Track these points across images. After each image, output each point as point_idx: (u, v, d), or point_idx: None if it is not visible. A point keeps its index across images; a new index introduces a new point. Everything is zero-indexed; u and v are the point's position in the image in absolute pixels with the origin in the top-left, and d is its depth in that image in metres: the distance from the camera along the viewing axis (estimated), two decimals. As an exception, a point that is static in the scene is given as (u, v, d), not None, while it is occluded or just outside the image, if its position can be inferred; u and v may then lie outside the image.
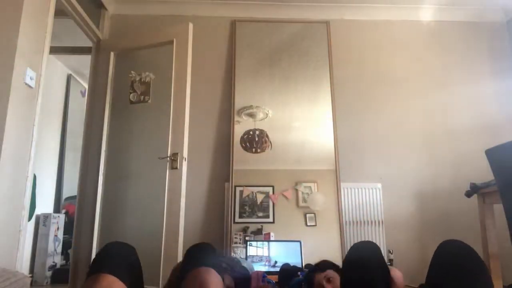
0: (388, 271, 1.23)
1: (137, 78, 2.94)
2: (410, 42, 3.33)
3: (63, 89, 4.22)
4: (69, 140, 4.15)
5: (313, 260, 2.60)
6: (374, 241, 2.10)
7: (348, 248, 2.73)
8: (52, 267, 3.32)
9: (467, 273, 0.96)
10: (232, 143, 2.98)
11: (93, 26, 2.99)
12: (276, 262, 2.59)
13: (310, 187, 2.92)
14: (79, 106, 4.29)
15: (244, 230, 2.81)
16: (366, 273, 1.16)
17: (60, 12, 2.56)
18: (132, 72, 2.96)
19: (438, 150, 3.11)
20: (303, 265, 2.56)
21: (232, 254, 2.72)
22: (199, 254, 1.14)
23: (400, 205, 2.99)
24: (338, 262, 2.67)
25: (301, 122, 3.06)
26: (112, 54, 3.07)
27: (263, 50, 3.20)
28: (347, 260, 1.29)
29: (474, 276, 0.96)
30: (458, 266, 0.98)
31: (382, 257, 1.27)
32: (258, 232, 2.80)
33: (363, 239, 2.84)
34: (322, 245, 2.75)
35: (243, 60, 3.17)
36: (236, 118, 3.04)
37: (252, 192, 2.90)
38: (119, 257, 1.09)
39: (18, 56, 1.89)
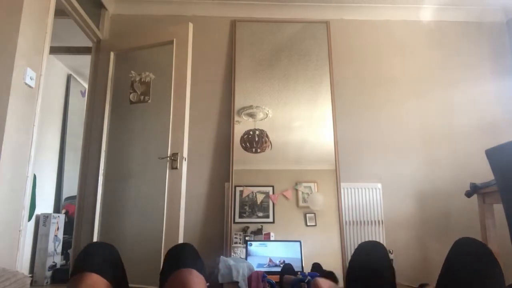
0: (394, 278, 1.19)
1: (137, 78, 2.94)
2: (410, 42, 3.33)
3: (63, 89, 4.22)
4: (69, 140, 4.14)
5: (314, 260, 2.61)
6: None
7: (348, 248, 2.75)
8: (52, 267, 3.31)
9: (486, 276, 0.95)
10: (232, 143, 2.98)
11: (93, 26, 2.99)
12: (284, 261, 2.58)
13: (310, 187, 2.91)
14: (79, 106, 4.29)
15: (244, 230, 2.81)
16: (375, 281, 1.13)
17: (60, 12, 2.56)
18: (132, 72, 2.96)
19: (438, 150, 3.11)
20: (310, 265, 2.56)
21: (232, 254, 2.72)
22: (180, 255, 1.13)
23: (400, 205, 2.99)
24: (338, 262, 2.70)
25: (301, 122, 3.06)
26: (112, 54, 3.07)
27: (263, 50, 3.20)
28: (354, 261, 1.23)
29: (493, 279, 0.95)
30: (477, 268, 0.96)
31: (391, 263, 1.22)
32: (258, 232, 2.80)
33: (363, 239, 2.84)
34: (322, 245, 2.75)
35: (243, 60, 3.17)
36: (236, 118, 3.04)
37: (252, 192, 2.90)
38: (101, 256, 1.10)
39: (18, 56, 1.89)
